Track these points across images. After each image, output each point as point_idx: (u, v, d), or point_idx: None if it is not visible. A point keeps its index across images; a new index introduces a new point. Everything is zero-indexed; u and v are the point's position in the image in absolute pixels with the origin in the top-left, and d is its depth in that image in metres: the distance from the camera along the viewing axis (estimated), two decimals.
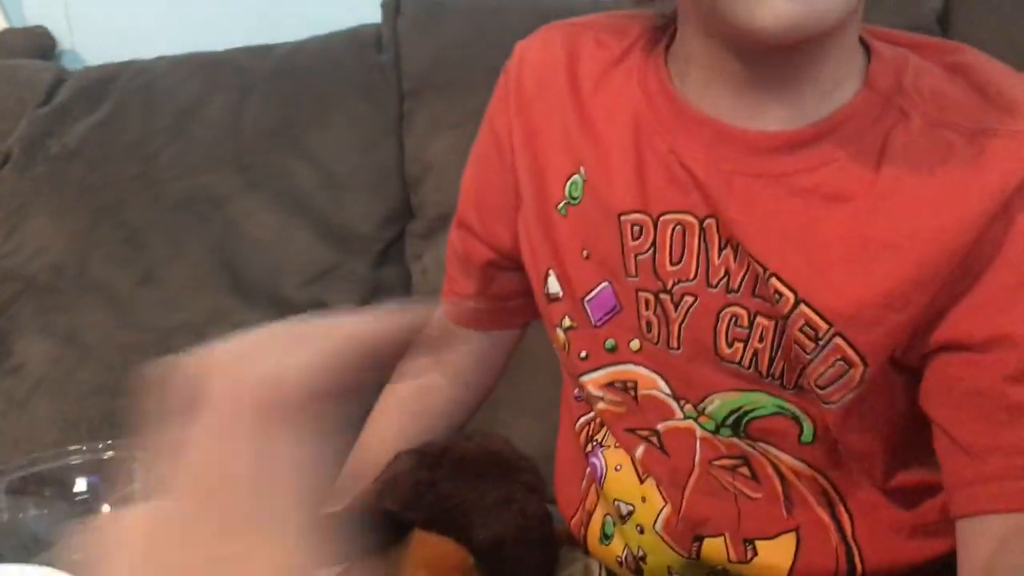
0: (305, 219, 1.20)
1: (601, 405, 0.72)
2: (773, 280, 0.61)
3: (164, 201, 1.20)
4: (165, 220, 1.20)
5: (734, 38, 0.60)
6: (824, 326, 0.60)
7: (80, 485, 0.88)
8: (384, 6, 1.30)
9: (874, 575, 0.67)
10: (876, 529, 0.67)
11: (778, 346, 0.63)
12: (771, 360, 0.64)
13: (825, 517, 0.68)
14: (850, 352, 0.60)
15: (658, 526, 0.71)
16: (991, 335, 0.58)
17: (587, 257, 0.68)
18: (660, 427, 0.69)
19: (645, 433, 0.70)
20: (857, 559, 0.67)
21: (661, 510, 0.70)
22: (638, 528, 0.72)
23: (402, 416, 0.83)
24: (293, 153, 1.22)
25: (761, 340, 0.64)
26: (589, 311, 0.69)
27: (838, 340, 0.60)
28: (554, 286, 0.71)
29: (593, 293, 0.69)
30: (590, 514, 0.76)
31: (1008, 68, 0.65)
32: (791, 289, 0.61)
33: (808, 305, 0.61)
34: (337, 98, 1.24)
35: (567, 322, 0.71)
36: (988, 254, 0.58)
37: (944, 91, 0.62)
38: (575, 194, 0.68)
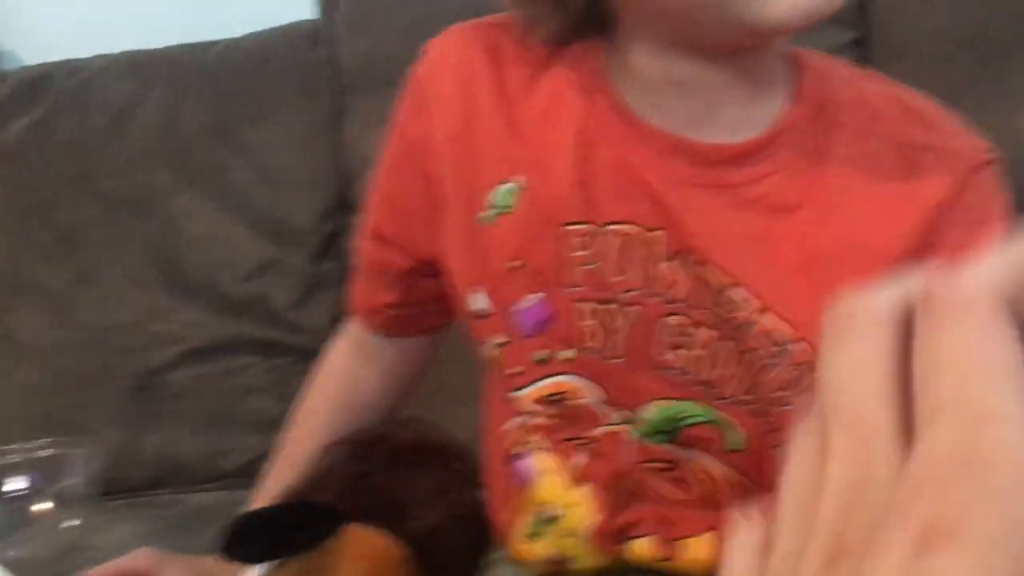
0: (243, 215, 1.20)
1: (533, 419, 0.71)
2: (740, 289, 0.63)
3: (100, 200, 1.20)
4: (102, 219, 1.20)
5: (727, 41, 0.61)
6: (788, 332, 0.62)
7: (15, 483, 0.89)
8: (321, 1, 1.31)
9: None
10: None
11: (719, 355, 0.65)
12: (710, 369, 0.65)
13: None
14: (812, 358, 0.63)
15: (586, 531, 0.72)
16: None
17: (518, 268, 0.67)
18: (594, 434, 0.70)
19: (580, 441, 0.71)
20: None
21: (587, 517, 0.71)
22: (565, 533, 0.73)
23: (329, 412, 0.84)
24: (230, 150, 1.22)
25: (702, 348, 0.65)
26: (519, 322, 0.68)
27: (802, 345, 0.62)
28: (480, 302, 0.69)
29: (524, 304, 0.67)
30: (516, 514, 0.77)
31: (918, 93, 0.68)
32: (756, 297, 0.63)
33: (773, 312, 0.63)
34: (274, 95, 1.24)
35: (498, 339, 0.70)
36: (920, 263, 0.60)
37: (870, 103, 0.65)
38: (508, 203, 0.67)
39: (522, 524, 0.74)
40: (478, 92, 0.68)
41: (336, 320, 1.19)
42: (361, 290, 0.82)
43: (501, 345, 0.70)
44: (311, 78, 1.24)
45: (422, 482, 0.73)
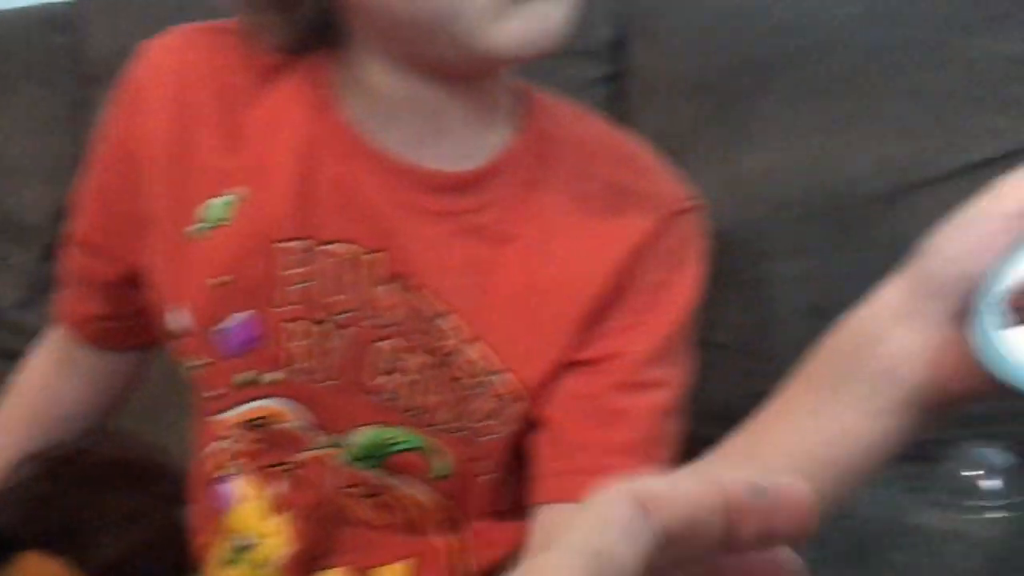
0: None
1: (233, 445, 0.70)
2: (451, 316, 0.64)
3: None
4: None
5: (459, 64, 0.61)
6: (494, 362, 0.64)
7: None
8: None
9: None
10: (489, 546, 0.71)
11: (429, 382, 0.66)
12: (420, 395, 0.66)
13: (444, 543, 0.71)
14: (514, 388, 0.64)
15: (279, 560, 0.70)
16: (607, 352, 0.64)
17: (225, 284, 0.65)
18: (298, 459, 0.69)
19: (281, 468, 0.70)
20: None
21: (281, 548, 0.70)
22: (258, 562, 0.71)
23: (24, 424, 0.79)
24: None
25: (413, 374, 0.65)
26: (224, 342, 0.66)
27: (505, 376, 0.64)
28: (181, 320, 0.67)
29: (228, 323, 0.65)
30: (215, 539, 0.74)
31: (634, 139, 0.74)
32: (466, 325, 0.64)
33: (481, 341, 0.64)
34: (10, 81, 1.16)
35: (197, 360, 0.67)
36: (618, 298, 0.64)
37: (587, 144, 0.69)
38: (223, 216, 0.65)
39: (219, 550, 0.72)
40: (198, 98, 0.66)
41: None
42: (68, 298, 0.78)
43: (201, 366, 0.67)
44: (52, 66, 1.17)
45: (116, 505, 0.70)
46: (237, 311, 0.65)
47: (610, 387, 0.65)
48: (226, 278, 0.65)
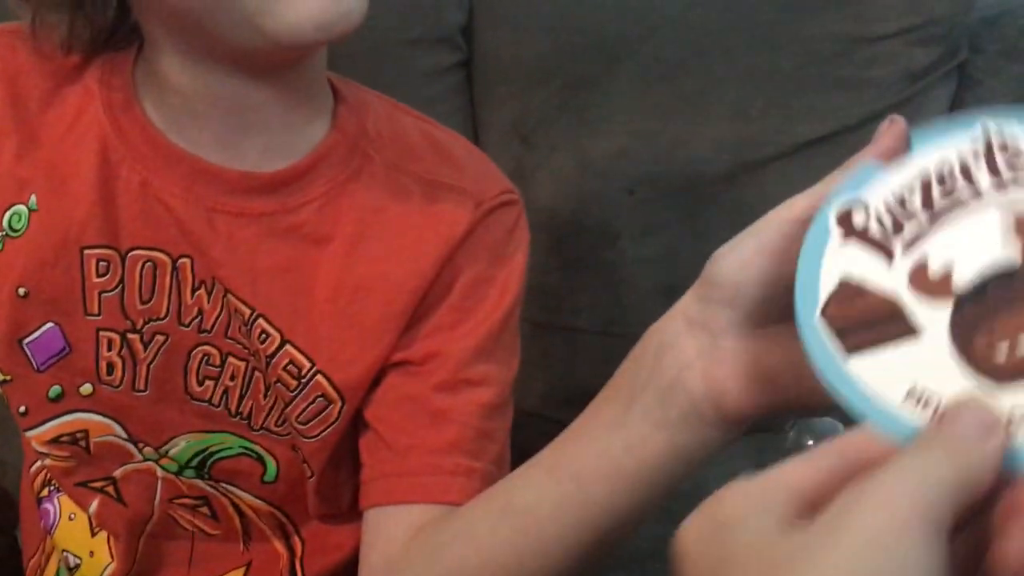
0: None
1: (49, 461, 0.67)
2: (260, 321, 0.62)
3: None
4: None
5: (255, 52, 0.57)
6: (307, 364, 0.62)
7: None
8: None
9: None
10: (322, 548, 0.71)
11: (249, 386, 0.64)
12: (240, 400, 0.65)
13: (279, 548, 0.70)
14: (330, 390, 0.63)
15: None
16: (429, 352, 0.63)
17: (25, 295, 0.61)
18: (117, 473, 0.66)
19: (100, 484, 0.67)
20: None
21: (107, 566, 0.68)
22: None
23: None
24: None
25: (232, 379, 0.64)
26: (30, 355, 0.62)
27: (319, 378, 0.63)
28: None
29: (35, 335, 0.62)
30: (47, 558, 0.71)
31: (451, 131, 0.71)
32: (276, 329, 0.62)
33: (293, 345, 0.62)
34: None
35: (4, 375, 0.64)
36: (439, 296, 0.63)
37: (403, 139, 0.67)
38: (16, 226, 0.61)
39: (51, 568, 0.70)
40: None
41: None
42: None
43: (9, 381, 0.63)
44: None
45: None
46: (40, 323, 0.61)
47: (433, 387, 0.63)
48: (24, 289, 0.61)
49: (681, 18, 1.10)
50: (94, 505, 0.67)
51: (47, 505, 0.70)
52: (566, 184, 1.12)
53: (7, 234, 0.61)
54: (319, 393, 0.63)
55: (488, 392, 0.65)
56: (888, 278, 0.37)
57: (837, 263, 0.39)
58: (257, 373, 0.64)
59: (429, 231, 0.64)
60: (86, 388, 0.64)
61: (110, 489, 0.67)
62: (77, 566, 0.69)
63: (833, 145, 1.09)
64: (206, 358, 0.63)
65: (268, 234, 0.62)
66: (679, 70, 1.12)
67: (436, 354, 0.63)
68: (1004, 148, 0.40)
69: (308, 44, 0.57)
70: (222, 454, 0.66)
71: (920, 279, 0.37)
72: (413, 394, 0.63)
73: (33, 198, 0.61)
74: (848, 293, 0.38)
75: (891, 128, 0.41)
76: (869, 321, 0.37)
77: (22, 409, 0.64)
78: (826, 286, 0.38)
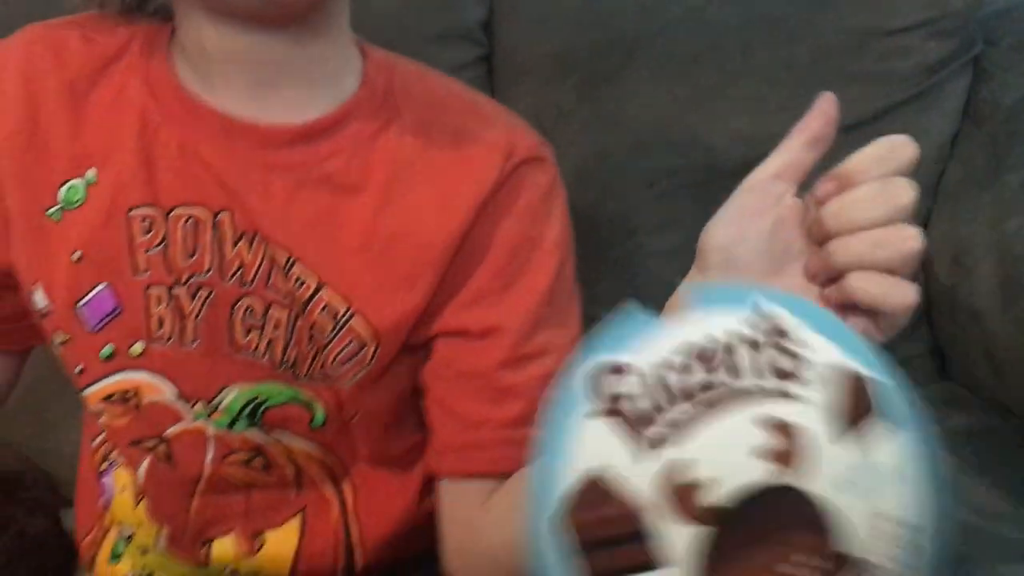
0: None
1: (104, 419, 0.70)
2: (297, 265, 0.64)
3: None
4: None
5: (231, 16, 0.61)
6: (342, 308, 0.65)
7: None
8: None
9: (369, 544, 0.73)
10: (373, 496, 0.73)
11: (292, 335, 0.66)
12: (285, 349, 0.67)
13: (330, 494, 0.73)
14: (364, 333, 0.65)
15: (161, 545, 0.71)
16: (486, 327, 0.65)
17: (79, 260, 0.65)
18: (168, 433, 0.69)
19: (151, 444, 0.70)
20: (355, 532, 0.73)
21: (159, 532, 0.70)
22: (141, 550, 0.72)
23: None
24: None
25: (276, 329, 0.66)
26: (84, 317, 0.66)
27: (354, 321, 0.65)
28: (41, 301, 0.67)
29: (88, 297, 0.66)
30: (104, 534, 0.74)
31: (479, 94, 0.74)
32: (312, 273, 0.64)
33: (328, 288, 0.65)
34: None
35: (60, 336, 0.68)
36: (477, 253, 0.65)
37: (431, 94, 0.70)
38: (74, 198, 0.66)
39: (108, 542, 0.72)
40: (42, 89, 0.66)
41: None
42: None
43: (66, 342, 0.67)
44: None
45: None
46: (93, 284, 0.65)
47: (497, 366, 0.66)
48: (79, 253, 0.65)
49: (698, 12, 1.12)
50: (143, 467, 0.70)
51: (105, 479, 0.72)
52: (584, 177, 1.13)
53: (64, 207, 0.66)
54: (353, 336, 0.66)
55: (551, 361, 0.67)
56: (636, 477, 0.34)
57: (585, 444, 0.36)
58: (299, 322, 0.66)
59: (460, 181, 0.66)
60: (137, 347, 0.66)
61: (161, 449, 0.69)
62: (131, 536, 0.71)
63: (849, 138, 1.10)
64: (249, 310, 0.66)
65: (301, 184, 0.65)
66: (696, 64, 1.13)
67: (494, 329, 0.66)
68: (774, 333, 0.37)
69: (263, 16, 0.61)
70: (271, 403, 0.68)
71: (669, 489, 0.34)
72: (478, 371, 0.66)
73: (89, 172, 0.66)
74: (592, 495, 0.34)
75: (822, 109, 0.42)
76: (611, 539, 0.33)
77: (79, 368, 0.68)
78: (569, 474, 0.35)
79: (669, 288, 1.09)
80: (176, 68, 0.66)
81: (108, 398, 0.68)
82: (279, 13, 0.61)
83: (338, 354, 0.66)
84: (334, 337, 0.66)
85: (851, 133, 1.09)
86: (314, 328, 0.66)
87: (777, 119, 1.11)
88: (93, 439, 0.74)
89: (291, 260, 0.65)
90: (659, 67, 1.14)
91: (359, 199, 0.65)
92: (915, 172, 0.51)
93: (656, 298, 1.09)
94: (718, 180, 1.10)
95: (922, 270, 1.12)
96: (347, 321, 0.65)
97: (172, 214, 0.65)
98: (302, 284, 0.65)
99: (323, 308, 0.65)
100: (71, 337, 0.67)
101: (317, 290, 0.65)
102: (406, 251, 0.65)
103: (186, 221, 0.65)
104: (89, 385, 0.68)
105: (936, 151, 1.15)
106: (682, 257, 1.11)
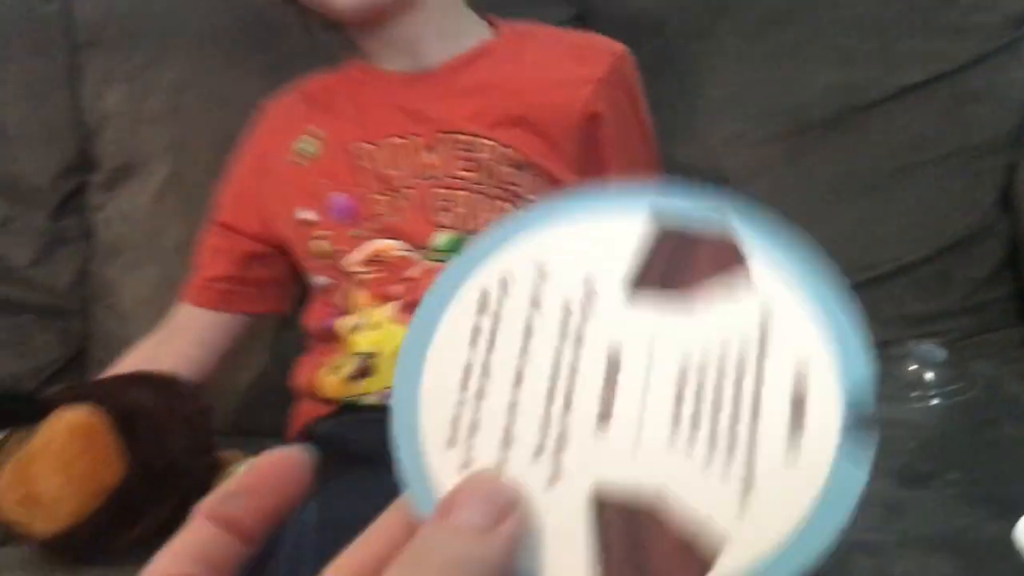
0: None
1: (361, 277, 0.93)
2: (477, 139, 0.93)
3: None
4: None
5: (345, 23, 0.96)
6: (514, 153, 0.94)
7: None
8: None
9: None
10: None
11: (479, 206, 0.93)
12: (474, 219, 0.91)
13: None
14: (532, 162, 0.95)
15: (392, 316, 0.92)
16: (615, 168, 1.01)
17: (326, 182, 0.95)
18: (407, 274, 0.91)
19: (399, 288, 0.91)
20: None
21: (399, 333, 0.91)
22: (373, 327, 0.91)
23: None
24: None
25: (464, 207, 0.93)
26: (335, 216, 0.94)
27: (525, 161, 0.95)
28: (306, 214, 0.96)
29: (334, 202, 0.94)
30: (333, 358, 0.93)
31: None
32: (492, 140, 0.93)
33: (504, 145, 0.94)
34: (5, 50, 1.21)
35: (322, 234, 0.94)
36: (601, 125, 0.98)
37: (547, 31, 1.03)
38: (313, 149, 0.97)
39: (333, 363, 0.92)
40: (295, 113, 1.02)
41: (77, 278, 1.20)
42: (196, 271, 1.04)
43: (326, 238, 0.95)
44: (42, 34, 1.22)
45: (146, 390, 0.81)
46: (339, 192, 0.94)
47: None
48: (325, 180, 0.95)
49: None
50: (392, 304, 0.91)
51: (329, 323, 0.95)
52: (675, 131, 1.19)
53: (308, 154, 0.98)
54: (535, 173, 0.94)
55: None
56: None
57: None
58: (479, 196, 0.92)
59: (584, 70, 0.97)
60: (373, 225, 0.93)
61: (404, 284, 0.91)
62: (371, 357, 0.90)
63: (935, 90, 1.14)
64: (443, 195, 0.92)
65: (462, 91, 0.95)
66: (785, 18, 1.17)
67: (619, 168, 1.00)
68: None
69: (350, 15, 0.92)
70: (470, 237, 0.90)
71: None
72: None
73: (319, 131, 0.98)
74: None
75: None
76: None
77: (341, 248, 0.93)
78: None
79: None
80: (367, 60, 1.00)
81: (363, 261, 0.93)
82: (365, 18, 0.93)
83: (514, 181, 0.94)
84: (509, 173, 0.93)
85: (936, 84, 1.13)
86: (499, 188, 0.92)
87: (865, 71, 1.16)
88: (321, 298, 0.98)
89: (470, 135, 0.93)
90: (748, 22, 1.18)
91: (503, 88, 0.95)
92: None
93: None
94: (806, 131, 1.15)
95: (1008, 216, 1.15)
96: (526, 166, 0.94)
97: (382, 144, 0.94)
98: (479, 149, 0.92)
99: (497, 155, 0.92)
100: (331, 232, 0.94)
101: (491, 143, 0.93)
102: (553, 115, 0.95)
103: (391, 147, 0.94)
104: (348, 255, 0.93)
105: (1022, 102, 1.17)
106: (769, 206, 1.16)
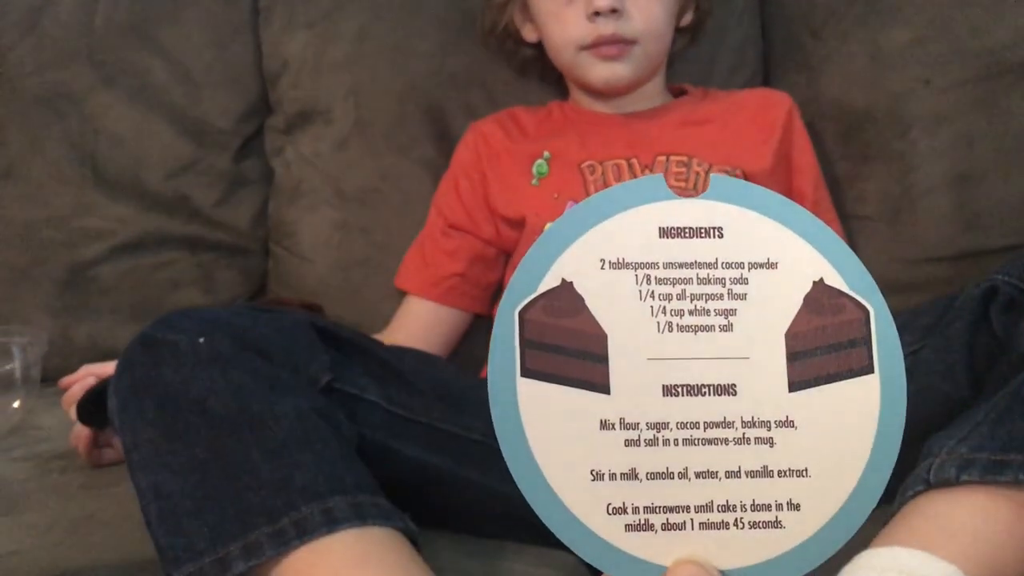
0: (163, 114, 1.23)
1: None
2: (689, 158, 1.06)
3: (20, 97, 1.21)
4: (22, 116, 1.21)
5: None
6: (729, 167, 1.06)
7: None
8: None
9: None
10: None
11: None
12: None
13: None
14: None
15: None
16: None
17: (557, 198, 1.06)
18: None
19: None
20: None
21: None
22: None
23: None
24: (148, 49, 1.23)
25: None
26: None
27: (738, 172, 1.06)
28: (544, 222, 1.05)
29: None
30: None
31: None
32: (699, 160, 1.06)
33: (712, 164, 1.06)
34: None
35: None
36: (789, 151, 1.08)
37: (727, 92, 1.18)
38: (543, 170, 1.08)
39: None
40: (512, 136, 1.14)
41: (258, 218, 1.25)
42: (426, 268, 1.11)
43: None
44: None
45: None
46: (573, 201, 1.03)
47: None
48: (556, 195, 1.06)
49: None
50: None
51: None
52: (856, 75, 1.14)
53: (542, 175, 1.08)
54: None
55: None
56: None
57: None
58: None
59: (770, 113, 1.10)
60: None
61: None
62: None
63: None
64: None
65: (670, 124, 1.10)
66: None
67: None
68: None
69: (603, 88, 1.08)
70: None
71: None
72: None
73: (546, 152, 1.09)
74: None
75: None
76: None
77: None
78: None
79: (939, 185, 1.09)
80: (575, 101, 1.16)
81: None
82: (618, 91, 1.09)
83: None
84: None
85: None
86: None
87: None
88: None
89: (686, 157, 1.05)
90: None
91: (709, 125, 1.09)
92: None
93: (929, 195, 1.10)
94: (999, 75, 1.09)
95: None
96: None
97: (604, 164, 1.06)
98: (699, 166, 1.04)
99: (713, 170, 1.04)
100: None
101: (709, 168, 1.05)
102: (753, 141, 1.08)
103: (612, 166, 1.06)
104: None
105: None
106: (957, 153, 1.11)
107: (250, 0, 1.26)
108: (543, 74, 1.19)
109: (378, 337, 1.04)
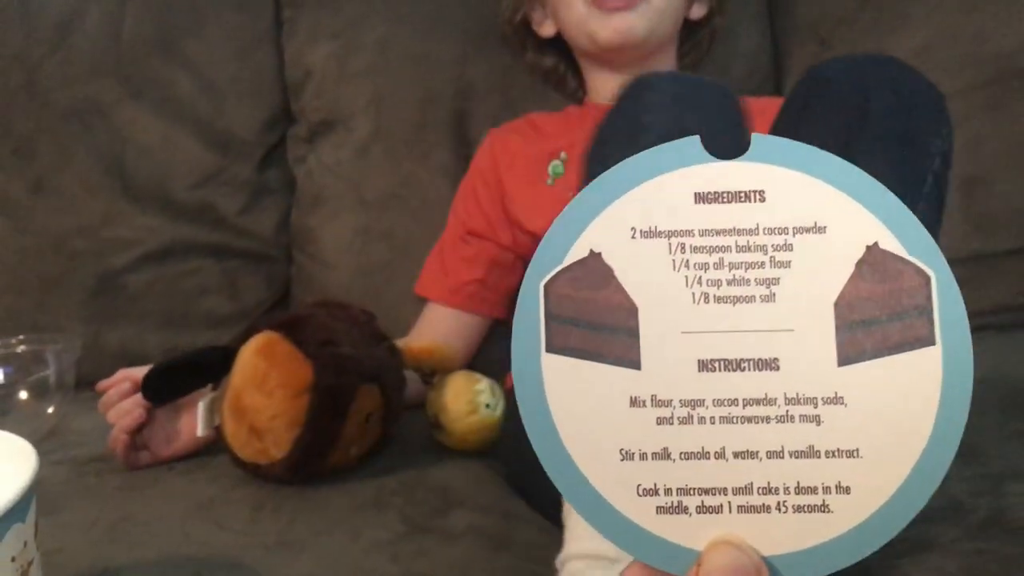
0: (188, 125, 1.26)
1: None
2: None
3: (50, 111, 1.24)
4: (52, 129, 1.24)
5: (599, 53, 1.09)
6: None
7: None
8: None
9: None
10: None
11: None
12: None
13: None
14: None
15: None
16: None
17: (572, 197, 0.97)
18: None
19: None
20: None
21: None
22: None
23: None
24: (173, 62, 1.26)
25: None
26: None
27: None
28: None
29: None
30: None
31: None
32: None
33: None
34: (211, 7, 1.28)
35: None
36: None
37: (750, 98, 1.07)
38: (559, 171, 1.09)
39: None
40: (527, 140, 1.14)
41: (281, 226, 1.28)
42: (445, 274, 1.13)
43: None
44: None
45: (304, 308, 0.89)
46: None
47: None
48: (572, 193, 0.96)
49: None
50: None
51: None
52: None
53: (556, 176, 1.08)
54: None
55: None
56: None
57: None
58: None
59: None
60: None
61: None
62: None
63: None
64: None
65: None
66: None
67: None
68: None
69: (615, 46, 1.05)
70: None
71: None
72: None
73: (563, 153, 1.09)
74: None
75: None
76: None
77: None
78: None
79: (952, 187, 1.10)
80: (591, 98, 1.16)
81: None
82: (630, 56, 1.06)
83: None
84: None
85: None
86: None
87: None
88: None
89: None
90: None
91: None
92: None
93: (935, 199, 1.12)
94: (1007, 80, 1.11)
95: None
96: None
97: None
98: None
99: None
100: None
101: None
102: None
103: None
104: None
105: None
106: (966, 156, 1.13)
107: (272, 12, 1.29)
108: (561, 82, 1.22)
109: (400, 343, 1.07)
